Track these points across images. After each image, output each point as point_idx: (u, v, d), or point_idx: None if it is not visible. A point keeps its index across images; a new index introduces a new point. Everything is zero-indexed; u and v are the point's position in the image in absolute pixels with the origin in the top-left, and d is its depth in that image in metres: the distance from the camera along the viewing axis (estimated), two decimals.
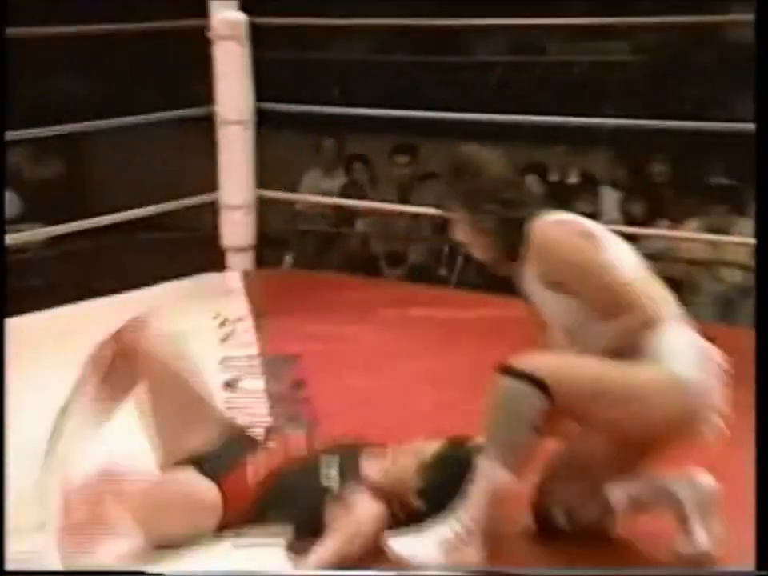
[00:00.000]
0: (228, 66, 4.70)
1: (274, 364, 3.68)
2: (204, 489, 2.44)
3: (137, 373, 2.57)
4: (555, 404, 2.24)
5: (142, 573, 1.96)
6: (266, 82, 4.85)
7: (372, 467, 2.49)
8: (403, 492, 2.43)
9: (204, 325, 4.09)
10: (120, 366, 2.59)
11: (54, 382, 3.15)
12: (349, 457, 2.52)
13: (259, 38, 4.66)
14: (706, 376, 2.32)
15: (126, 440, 2.68)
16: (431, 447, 2.49)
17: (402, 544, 2.34)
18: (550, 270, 2.41)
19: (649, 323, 2.32)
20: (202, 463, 2.49)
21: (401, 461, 2.47)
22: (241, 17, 4.61)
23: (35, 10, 5.86)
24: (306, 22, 5.77)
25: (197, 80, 5.14)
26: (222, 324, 4.13)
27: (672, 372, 2.29)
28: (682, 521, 2.33)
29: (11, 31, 3.70)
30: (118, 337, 2.62)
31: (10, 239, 5.61)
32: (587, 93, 6.90)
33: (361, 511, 2.37)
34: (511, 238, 2.48)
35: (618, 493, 2.40)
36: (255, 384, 3.51)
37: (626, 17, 5.44)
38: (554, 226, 2.45)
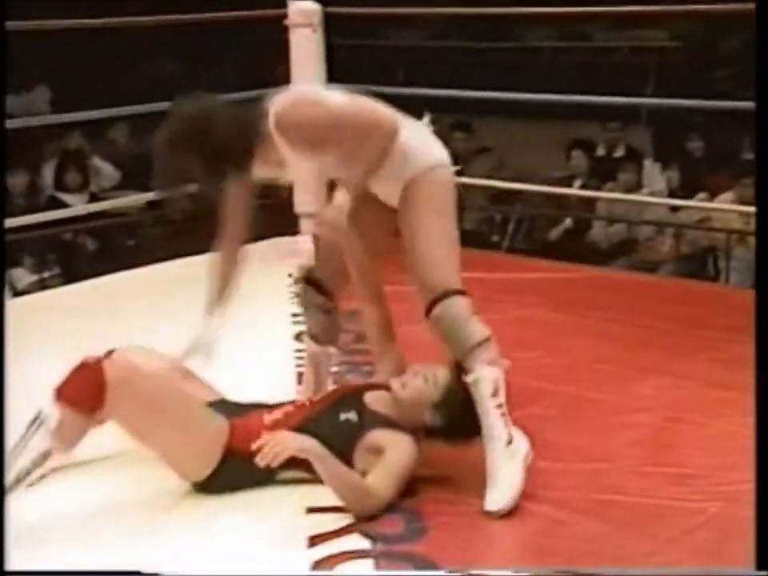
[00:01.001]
0: (302, 50, 4.70)
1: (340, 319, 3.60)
2: (215, 423, 2.31)
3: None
4: None
5: (141, 573, 1.86)
6: (337, 66, 4.80)
7: (381, 401, 2.39)
8: (420, 412, 2.36)
9: (278, 284, 4.03)
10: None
11: (154, 328, 3.27)
12: (358, 398, 2.42)
13: (331, 26, 4.62)
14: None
15: None
16: (439, 370, 2.41)
17: (495, 502, 2.24)
18: (298, 142, 2.38)
19: (395, 129, 2.39)
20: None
21: (413, 384, 2.39)
22: (315, 6, 4.56)
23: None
24: (374, 12, 5.67)
25: (275, 63, 5.09)
26: (295, 283, 4.07)
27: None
28: None
29: (115, 21, 3.68)
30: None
31: (111, 204, 5.65)
32: (629, 75, 6.68)
33: (394, 452, 2.27)
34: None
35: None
36: None
37: (663, 5, 5.24)
38: (285, 106, 2.39)
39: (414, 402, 2.37)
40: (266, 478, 2.30)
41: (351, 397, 2.43)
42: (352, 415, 2.37)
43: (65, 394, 2.19)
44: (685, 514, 2.25)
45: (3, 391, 2.23)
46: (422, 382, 2.39)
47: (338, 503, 2.23)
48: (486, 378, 2.30)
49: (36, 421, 2.25)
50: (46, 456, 2.25)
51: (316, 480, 2.25)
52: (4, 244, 3.86)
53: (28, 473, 2.24)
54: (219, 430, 2.32)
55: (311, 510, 2.26)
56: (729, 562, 2.07)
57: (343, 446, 2.30)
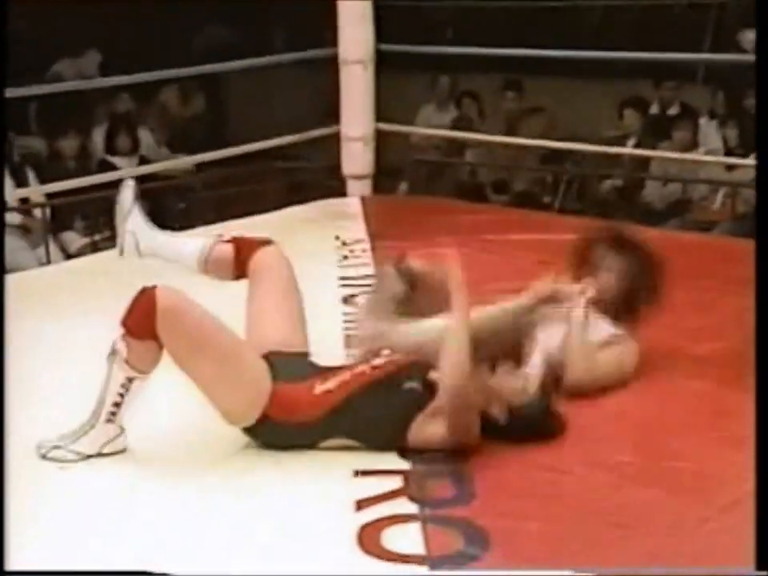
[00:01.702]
0: (350, 12, 4.68)
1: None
2: (261, 372, 2.29)
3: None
4: None
5: (146, 573, 1.85)
6: (386, 26, 4.74)
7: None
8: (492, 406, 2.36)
9: (326, 246, 4.01)
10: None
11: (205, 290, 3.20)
12: (424, 369, 2.36)
13: None
14: None
15: None
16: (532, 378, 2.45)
17: None
18: None
19: None
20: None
21: (510, 381, 2.41)
22: None
23: None
24: None
25: (324, 25, 5.04)
26: (342, 245, 4.04)
27: None
28: None
29: None
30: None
31: (161, 166, 5.66)
32: (686, 32, 6.48)
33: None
34: None
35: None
36: None
37: None
38: None
39: (496, 395, 2.35)
40: (305, 445, 2.31)
41: (416, 367, 2.38)
42: (416, 384, 2.33)
43: (125, 322, 2.27)
44: (739, 481, 2.19)
45: (3, 392, 2.29)
46: (519, 384, 2.39)
47: (384, 467, 2.22)
48: None
49: (112, 354, 2.30)
50: (127, 384, 2.29)
51: (360, 447, 2.24)
52: (3, 233, 3.90)
53: (117, 405, 2.29)
54: (264, 384, 2.29)
55: (359, 474, 2.25)
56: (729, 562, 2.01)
57: (404, 413, 2.28)
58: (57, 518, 2.10)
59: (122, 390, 2.28)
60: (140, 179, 5.26)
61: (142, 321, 2.24)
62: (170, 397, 2.46)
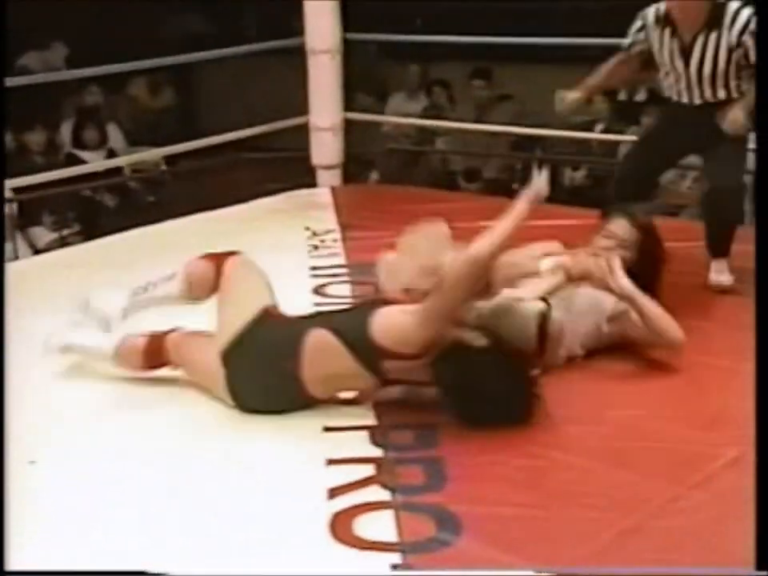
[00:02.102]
0: (317, 1, 4.63)
1: (359, 271, 3.56)
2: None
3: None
4: None
5: (144, 573, 1.84)
6: (354, 14, 4.71)
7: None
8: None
9: (296, 236, 4.00)
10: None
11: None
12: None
13: None
14: None
15: None
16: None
17: None
18: None
19: None
20: None
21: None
22: None
23: None
24: None
25: (293, 15, 5.01)
26: (313, 235, 4.02)
27: None
28: None
29: None
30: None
31: (128, 159, 5.62)
32: None
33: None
34: None
35: None
36: (341, 290, 3.40)
37: None
38: None
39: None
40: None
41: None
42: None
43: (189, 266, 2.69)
44: (708, 459, 2.21)
45: (3, 391, 2.26)
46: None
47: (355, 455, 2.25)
48: None
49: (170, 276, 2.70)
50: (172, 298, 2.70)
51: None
52: (3, 233, 3.86)
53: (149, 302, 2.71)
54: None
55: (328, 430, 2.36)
56: (748, 507, 2.03)
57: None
58: (57, 518, 2.08)
59: (162, 299, 2.73)
60: (108, 172, 5.26)
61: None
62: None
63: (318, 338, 2.43)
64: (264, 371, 2.45)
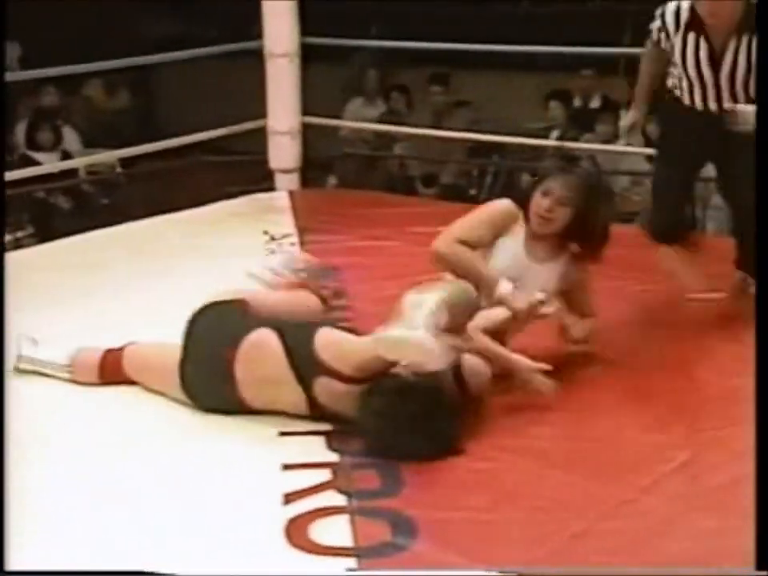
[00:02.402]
0: (275, 4, 4.62)
1: (317, 275, 3.55)
2: None
3: None
4: None
5: (143, 573, 1.84)
6: (311, 19, 4.71)
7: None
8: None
9: (254, 240, 3.99)
10: None
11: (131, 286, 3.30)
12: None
13: None
14: None
15: None
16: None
17: None
18: None
19: None
20: None
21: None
22: None
23: None
24: None
25: (254, 18, 4.99)
26: (270, 240, 4.01)
27: None
28: None
29: None
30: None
31: (83, 161, 5.56)
32: (607, 25, 6.59)
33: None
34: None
35: None
36: None
37: None
38: None
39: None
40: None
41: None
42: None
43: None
44: (658, 462, 2.25)
45: (3, 391, 2.27)
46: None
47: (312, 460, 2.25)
48: None
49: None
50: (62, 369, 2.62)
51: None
52: (3, 228, 3.81)
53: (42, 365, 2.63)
54: None
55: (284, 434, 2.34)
56: (698, 509, 2.07)
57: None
58: (57, 518, 2.06)
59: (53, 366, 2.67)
60: (63, 174, 5.20)
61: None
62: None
63: (261, 336, 2.43)
64: (207, 355, 2.44)
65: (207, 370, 2.45)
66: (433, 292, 2.34)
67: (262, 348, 2.41)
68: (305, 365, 2.35)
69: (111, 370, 2.62)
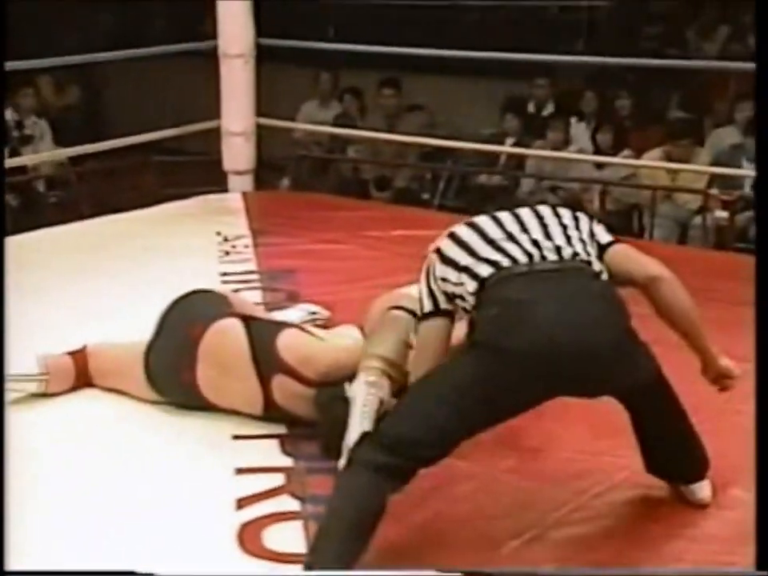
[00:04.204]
0: (230, 4, 4.58)
1: (270, 278, 3.53)
2: None
3: None
4: None
5: (134, 573, 1.81)
6: (267, 21, 4.68)
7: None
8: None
9: (207, 241, 3.94)
10: None
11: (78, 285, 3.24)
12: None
13: None
14: None
15: None
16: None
17: None
18: None
19: None
20: None
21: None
22: None
23: None
24: None
25: (203, 17, 4.95)
26: (224, 241, 3.98)
27: None
28: None
29: None
30: None
31: (31, 159, 5.45)
32: (560, 33, 6.65)
33: None
34: None
35: None
36: (252, 296, 3.36)
37: None
38: None
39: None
40: None
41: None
42: None
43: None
44: (611, 469, 2.26)
45: (3, 391, 2.25)
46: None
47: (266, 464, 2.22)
48: None
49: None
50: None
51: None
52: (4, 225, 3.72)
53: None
54: None
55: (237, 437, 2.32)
56: (649, 518, 2.09)
57: None
58: (57, 518, 2.03)
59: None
60: (11, 171, 5.09)
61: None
62: None
63: (229, 324, 2.41)
64: (176, 331, 2.42)
65: (173, 343, 2.43)
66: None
67: (227, 335, 2.39)
68: (265, 360, 2.34)
69: (83, 373, 2.57)
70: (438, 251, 2.05)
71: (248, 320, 2.43)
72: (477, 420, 1.91)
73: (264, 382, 2.34)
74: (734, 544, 2.00)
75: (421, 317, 2.05)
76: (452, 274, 1.97)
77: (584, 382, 1.91)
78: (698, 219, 4.88)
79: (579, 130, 5.78)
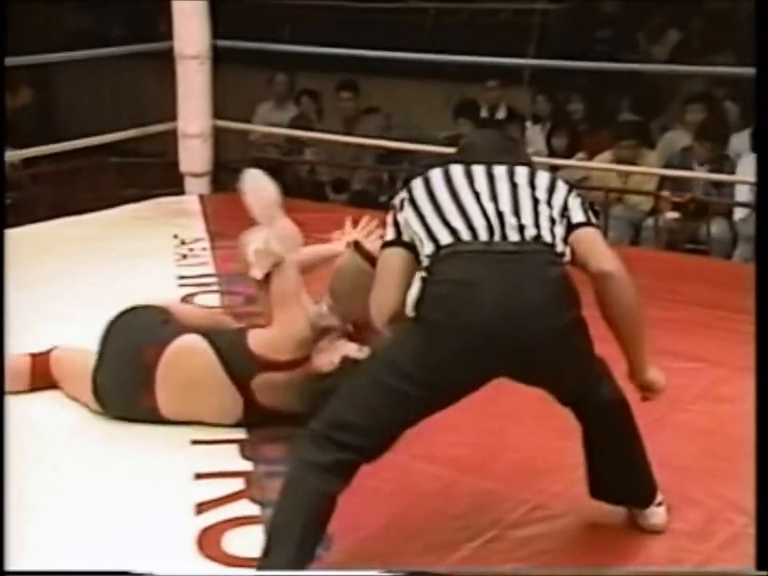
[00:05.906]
0: (185, 5, 4.53)
1: (228, 281, 3.50)
2: None
3: None
4: None
5: (128, 573, 1.80)
6: (223, 23, 4.64)
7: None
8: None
9: (164, 244, 3.90)
10: None
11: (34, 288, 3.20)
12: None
13: None
14: None
15: None
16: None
17: None
18: None
19: None
20: None
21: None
22: None
23: None
24: None
25: (160, 17, 4.89)
26: (181, 244, 3.94)
27: None
28: None
29: None
30: None
31: None
32: (513, 36, 6.68)
33: None
34: None
35: None
36: (210, 300, 3.34)
37: None
38: None
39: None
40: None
41: None
42: None
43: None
44: (569, 469, 2.27)
45: (3, 390, 2.22)
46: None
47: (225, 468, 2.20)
48: None
49: None
50: None
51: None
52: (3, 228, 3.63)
53: None
54: None
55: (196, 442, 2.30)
56: (608, 516, 2.10)
57: None
58: (57, 518, 2.01)
59: None
60: None
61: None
62: None
63: (190, 341, 2.38)
64: (124, 356, 2.38)
65: (123, 371, 2.39)
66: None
67: (192, 353, 2.36)
68: (240, 366, 2.33)
69: (42, 375, 2.54)
70: (410, 191, 2.02)
71: (206, 335, 2.41)
72: (416, 404, 1.89)
73: (242, 388, 2.34)
74: (690, 541, 2.03)
75: (382, 244, 2.03)
76: (415, 224, 1.95)
77: (519, 368, 1.90)
78: (650, 221, 4.93)
79: (535, 132, 5.82)
